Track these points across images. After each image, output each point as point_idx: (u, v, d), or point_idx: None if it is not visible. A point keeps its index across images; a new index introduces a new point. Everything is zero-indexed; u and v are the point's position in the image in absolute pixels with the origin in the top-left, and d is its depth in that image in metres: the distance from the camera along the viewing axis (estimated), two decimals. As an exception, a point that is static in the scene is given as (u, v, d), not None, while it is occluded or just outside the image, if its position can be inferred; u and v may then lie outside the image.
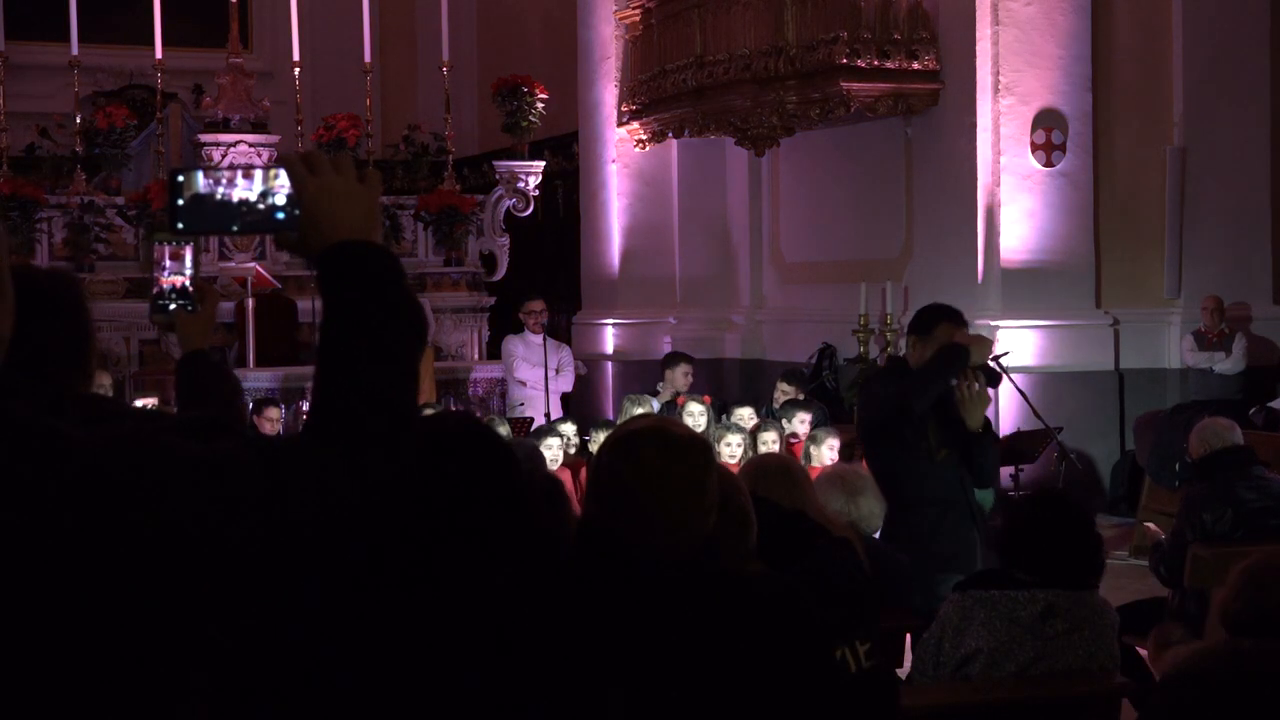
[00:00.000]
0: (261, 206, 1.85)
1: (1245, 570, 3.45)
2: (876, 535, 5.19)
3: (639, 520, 2.58)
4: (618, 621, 2.54)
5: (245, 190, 1.85)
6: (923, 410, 5.45)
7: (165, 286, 2.92)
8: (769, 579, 2.81)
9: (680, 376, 10.03)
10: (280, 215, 1.84)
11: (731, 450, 7.95)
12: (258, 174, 1.86)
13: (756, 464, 4.37)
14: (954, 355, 5.45)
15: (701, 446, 2.72)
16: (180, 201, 1.86)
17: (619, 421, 9.14)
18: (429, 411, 8.04)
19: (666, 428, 2.72)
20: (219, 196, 1.85)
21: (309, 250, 1.83)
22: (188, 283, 2.91)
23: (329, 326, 1.77)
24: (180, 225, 1.88)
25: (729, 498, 2.94)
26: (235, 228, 1.87)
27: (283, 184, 1.84)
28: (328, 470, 1.66)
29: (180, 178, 1.87)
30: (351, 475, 1.67)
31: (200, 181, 1.86)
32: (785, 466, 4.20)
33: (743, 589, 2.68)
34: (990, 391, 5.72)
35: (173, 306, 2.94)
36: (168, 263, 2.89)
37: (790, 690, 2.61)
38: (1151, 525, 7.54)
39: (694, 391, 9.90)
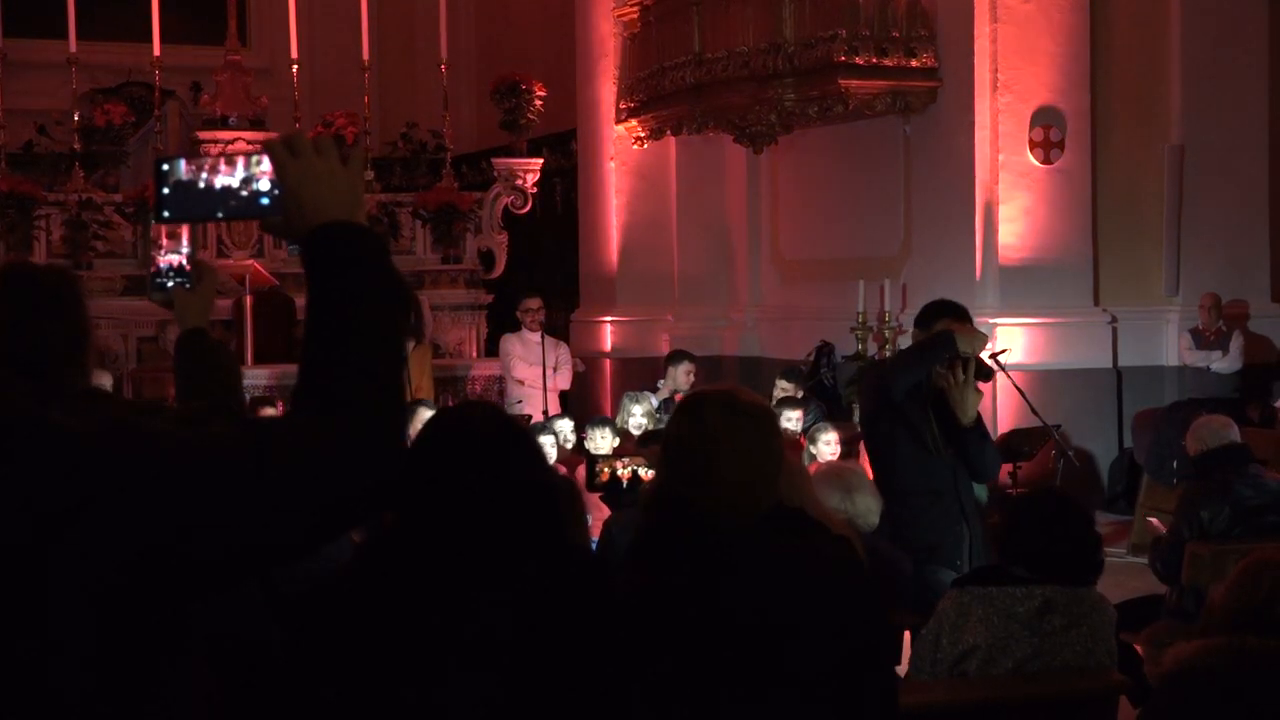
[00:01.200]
0: (245, 193, 1.85)
1: (1243, 565, 3.46)
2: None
3: (705, 482, 2.59)
4: (689, 583, 2.54)
5: (228, 177, 1.86)
6: (900, 393, 5.42)
7: (162, 265, 2.92)
8: (837, 552, 2.79)
9: (682, 375, 10.02)
10: (265, 201, 1.85)
11: None
12: (240, 160, 1.86)
13: None
14: (938, 341, 5.43)
15: (767, 414, 2.72)
16: (165, 190, 1.87)
17: (617, 420, 9.15)
18: (431, 406, 8.04)
19: (733, 394, 2.73)
20: (201, 184, 1.86)
21: (293, 234, 1.82)
22: (185, 261, 2.91)
23: (315, 308, 1.77)
24: (166, 214, 1.89)
25: None
26: (220, 214, 1.88)
27: (266, 169, 1.84)
28: (310, 446, 1.66)
29: (165, 166, 1.87)
30: (335, 449, 1.67)
31: (182, 169, 1.86)
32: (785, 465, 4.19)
33: (809, 561, 2.67)
34: (982, 386, 5.69)
35: (170, 284, 2.95)
36: (164, 241, 2.90)
37: (857, 654, 2.60)
38: (1153, 519, 7.55)
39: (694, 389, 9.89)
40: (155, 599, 1.57)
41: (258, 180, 1.85)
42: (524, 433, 2.58)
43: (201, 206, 1.88)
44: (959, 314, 5.61)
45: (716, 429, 2.62)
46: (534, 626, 2.37)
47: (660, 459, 2.74)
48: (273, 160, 1.83)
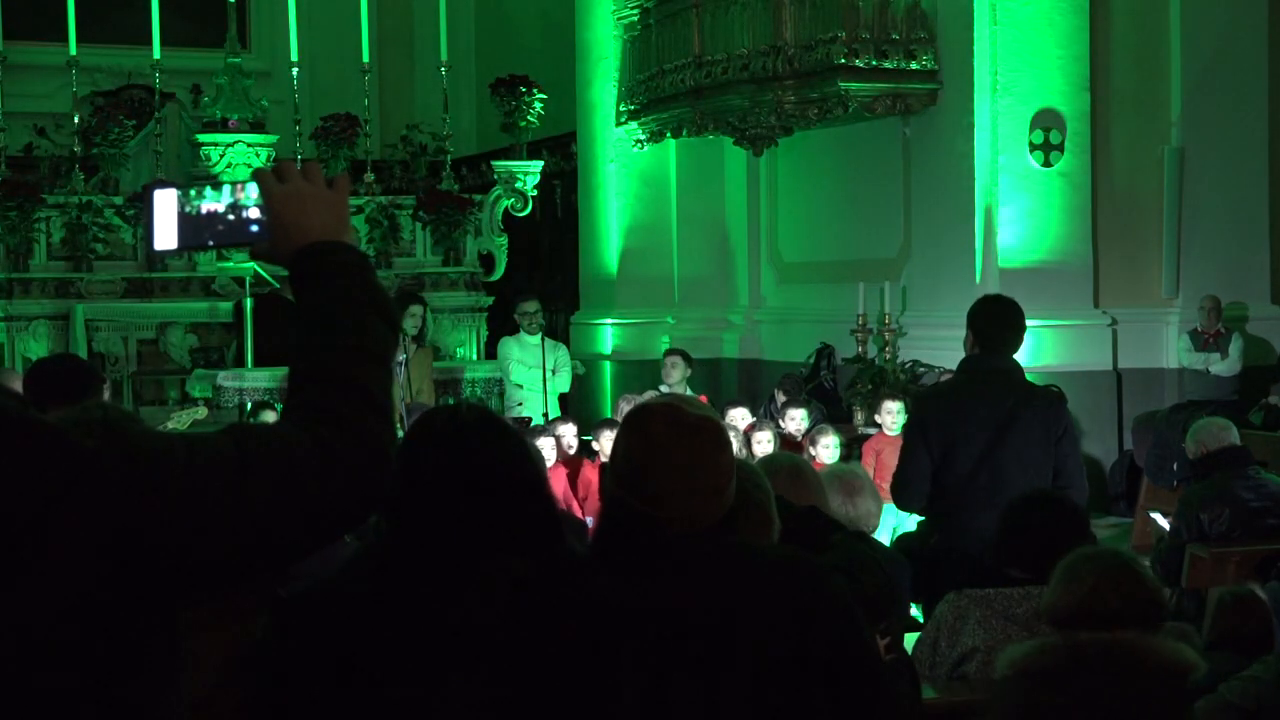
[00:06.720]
0: (233, 219, 1.88)
1: (1065, 563, 3.49)
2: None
3: (651, 495, 2.60)
4: (637, 594, 2.54)
5: (216, 205, 1.88)
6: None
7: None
8: (788, 551, 2.79)
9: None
10: (254, 228, 1.88)
11: (763, 448, 8.05)
12: (227, 188, 1.88)
13: (766, 463, 4.34)
14: None
15: (712, 424, 2.72)
16: (155, 219, 1.89)
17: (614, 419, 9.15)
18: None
19: (678, 405, 2.73)
20: (188, 211, 1.88)
21: (280, 257, 1.85)
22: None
23: (301, 323, 1.79)
24: (156, 243, 1.91)
25: (748, 495, 2.94)
26: (211, 242, 1.90)
27: (253, 196, 1.86)
28: (295, 452, 1.67)
29: (155, 195, 1.90)
30: (321, 457, 1.68)
31: (174, 198, 1.88)
32: (796, 467, 4.18)
33: (760, 559, 2.67)
34: None
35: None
36: None
37: (817, 662, 2.58)
38: (1155, 514, 7.54)
39: (693, 392, 9.86)
40: (138, 599, 1.58)
41: (246, 208, 1.87)
42: (512, 432, 2.58)
43: (191, 235, 1.90)
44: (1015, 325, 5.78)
45: (658, 440, 2.62)
46: (523, 627, 2.37)
47: (609, 469, 2.75)
48: (261, 187, 1.86)
